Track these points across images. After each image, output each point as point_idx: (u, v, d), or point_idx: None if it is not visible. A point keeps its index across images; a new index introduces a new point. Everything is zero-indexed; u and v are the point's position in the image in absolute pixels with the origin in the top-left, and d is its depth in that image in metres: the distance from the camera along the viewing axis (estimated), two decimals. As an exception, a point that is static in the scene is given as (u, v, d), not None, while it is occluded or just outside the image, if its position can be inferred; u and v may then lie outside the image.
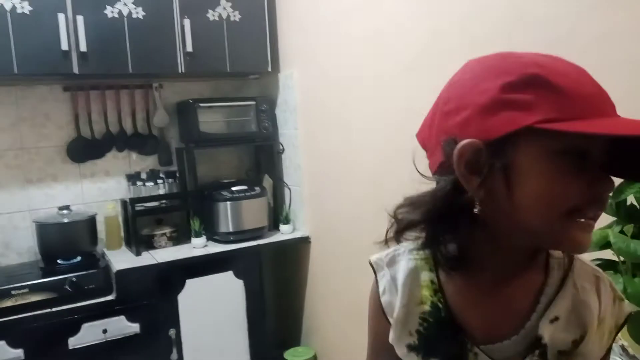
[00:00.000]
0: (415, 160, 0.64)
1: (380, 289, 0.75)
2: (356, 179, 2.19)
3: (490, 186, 0.58)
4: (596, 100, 0.56)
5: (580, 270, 0.67)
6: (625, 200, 0.99)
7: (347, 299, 2.31)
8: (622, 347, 0.99)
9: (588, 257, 1.00)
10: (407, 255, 0.73)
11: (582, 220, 0.58)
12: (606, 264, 0.98)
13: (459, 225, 0.62)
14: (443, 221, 0.62)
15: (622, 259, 0.94)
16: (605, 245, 0.96)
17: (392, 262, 0.75)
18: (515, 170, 0.56)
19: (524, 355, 0.64)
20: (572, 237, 0.58)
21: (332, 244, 2.43)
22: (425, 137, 0.65)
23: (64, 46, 2.18)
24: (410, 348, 0.71)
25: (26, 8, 2.11)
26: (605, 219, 1.02)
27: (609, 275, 0.93)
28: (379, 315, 0.76)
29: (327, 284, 2.54)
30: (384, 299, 0.75)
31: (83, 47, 2.22)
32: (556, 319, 0.64)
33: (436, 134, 0.61)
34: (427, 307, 0.70)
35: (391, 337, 0.73)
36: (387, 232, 0.66)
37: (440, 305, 0.69)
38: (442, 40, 1.69)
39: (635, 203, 0.99)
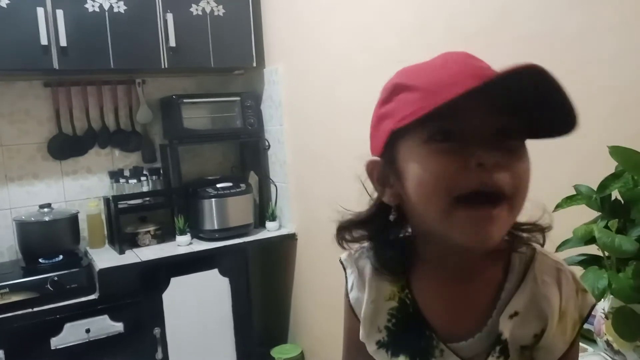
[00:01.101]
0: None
1: (349, 286, 0.77)
2: (343, 175, 2.18)
3: (398, 193, 0.63)
4: (453, 79, 0.55)
5: (541, 263, 0.66)
6: (610, 195, 0.98)
7: (334, 295, 2.30)
8: (607, 342, 0.99)
9: (574, 252, 1.00)
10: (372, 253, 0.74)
11: (478, 208, 0.55)
12: (591, 259, 0.98)
13: (391, 232, 0.70)
14: (381, 227, 0.70)
15: (606, 254, 0.94)
16: (590, 240, 0.95)
17: (359, 258, 0.76)
18: (402, 170, 0.61)
19: (488, 352, 0.64)
20: (464, 231, 0.57)
21: (319, 241, 2.41)
22: None
23: (44, 41, 2.14)
24: (380, 345, 0.72)
25: (4, 1, 2.06)
26: (590, 214, 1.02)
27: (593, 271, 0.93)
28: (349, 312, 0.77)
29: (313, 281, 2.52)
30: (351, 295, 0.76)
31: (63, 42, 2.18)
32: (516, 314, 0.64)
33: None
34: (395, 303, 0.70)
35: (361, 335, 0.74)
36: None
37: (407, 301, 0.69)
38: (428, 36, 1.68)
39: (619, 198, 0.99)
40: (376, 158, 0.64)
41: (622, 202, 0.98)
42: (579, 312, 0.66)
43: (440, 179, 0.56)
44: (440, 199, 0.56)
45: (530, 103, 0.54)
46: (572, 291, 0.65)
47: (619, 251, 0.89)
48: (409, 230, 0.70)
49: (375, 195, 0.69)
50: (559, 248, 0.98)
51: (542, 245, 0.68)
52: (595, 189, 0.99)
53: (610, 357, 0.99)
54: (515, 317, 0.64)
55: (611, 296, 0.91)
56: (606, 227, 0.94)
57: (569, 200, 1.02)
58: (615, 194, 0.99)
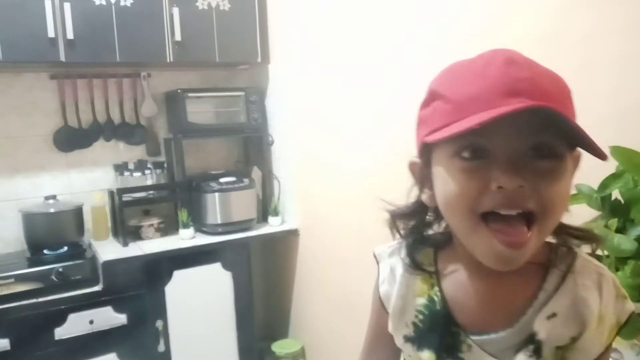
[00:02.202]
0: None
1: (380, 279, 0.78)
2: (346, 172, 2.19)
3: (434, 195, 0.64)
4: (489, 93, 0.54)
5: (582, 267, 0.66)
6: (610, 194, 0.99)
7: (335, 292, 2.32)
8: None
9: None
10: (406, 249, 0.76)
11: (495, 226, 0.56)
12: (590, 258, 0.99)
13: (427, 230, 0.72)
14: (420, 223, 0.72)
15: (606, 253, 0.95)
16: (590, 239, 0.96)
17: (393, 253, 0.77)
18: (434, 177, 0.62)
19: (518, 349, 0.64)
20: (484, 245, 0.57)
21: (321, 237, 2.42)
22: None
23: (51, 33, 2.15)
24: (406, 339, 0.73)
25: (12, -6, 2.08)
26: (590, 213, 1.03)
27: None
28: (378, 305, 0.79)
29: (315, 276, 2.54)
30: (382, 289, 0.77)
31: (70, 35, 2.19)
32: (554, 315, 0.64)
33: None
34: (423, 300, 0.71)
35: (390, 327, 0.75)
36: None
37: (436, 298, 0.70)
38: (433, 36, 1.69)
39: (620, 197, 1.00)
40: (416, 159, 0.66)
41: (622, 201, 0.99)
42: (617, 318, 0.66)
43: (461, 198, 0.57)
44: (464, 216, 0.58)
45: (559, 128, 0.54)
46: (612, 296, 0.65)
47: (618, 250, 0.90)
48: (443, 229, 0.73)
49: (415, 191, 0.71)
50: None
51: (593, 254, 0.69)
52: (596, 189, 1.00)
53: (608, 355, 1.00)
54: (553, 318, 0.64)
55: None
56: (606, 226, 0.95)
57: (569, 199, 1.03)
58: (616, 194, 1.00)
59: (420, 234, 0.72)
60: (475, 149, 0.56)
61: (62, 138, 2.53)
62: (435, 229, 0.73)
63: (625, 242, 0.89)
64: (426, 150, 0.62)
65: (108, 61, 2.35)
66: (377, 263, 0.80)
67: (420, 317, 0.71)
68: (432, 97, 0.60)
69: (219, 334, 2.50)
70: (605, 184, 0.97)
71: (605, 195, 0.99)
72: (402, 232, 0.73)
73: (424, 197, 0.66)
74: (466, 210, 0.57)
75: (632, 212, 0.96)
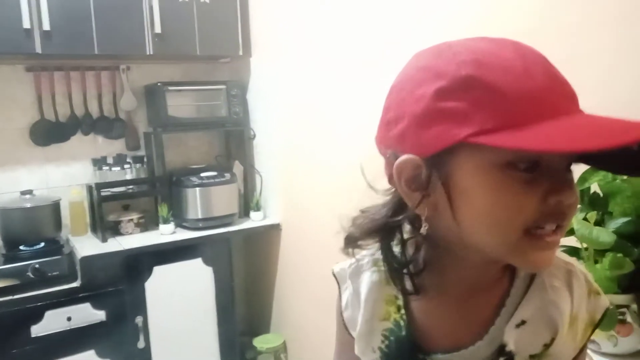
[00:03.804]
0: (364, 169, 0.62)
1: (343, 304, 0.72)
2: (329, 166, 2.18)
3: (435, 203, 0.55)
4: (547, 96, 0.49)
5: (550, 266, 0.60)
6: (589, 188, 1.00)
7: (317, 286, 2.31)
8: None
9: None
10: (371, 267, 0.69)
11: (541, 237, 0.52)
12: (569, 251, 0.99)
13: (406, 242, 0.61)
14: (393, 237, 0.61)
15: (584, 245, 0.95)
16: (569, 232, 0.97)
17: (355, 273, 0.70)
18: (456, 186, 0.52)
19: None
20: (529, 258, 0.53)
21: (303, 232, 2.42)
22: (378, 144, 0.61)
23: (26, 24, 2.10)
24: None
25: (-15, -16, 2.02)
26: (569, 206, 1.03)
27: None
28: (342, 329, 0.73)
29: (297, 271, 2.53)
30: (346, 315, 0.72)
31: (46, 26, 2.14)
32: (523, 322, 0.59)
33: (383, 145, 0.59)
34: (389, 324, 0.66)
35: (356, 350, 0.70)
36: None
37: (402, 322, 0.65)
38: (417, 29, 1.68)
39: (598, 191, 1.01)
40: (415, 157, 0.53)
41: (601, 195, 1.00)
42: (591, 316, 0.62)
43: (517, 212, 0.50)
44: (510, 232, 0.51)
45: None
46: (584, 294, 0.61)
47: (596, 243, 0.91)
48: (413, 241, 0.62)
49: (387, 197, 0.62)
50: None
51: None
52: (575, 182, 1.00)
53: (586, 346, 1.01)
54: (522, 326, 0.59)
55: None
56: (585, 219, 0.96)
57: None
58: (595, 187, 1.01)
59: (392, 250, 0.62)
60: (532, 159, 0.50)
61: (39, 132, 2.48)
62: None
63: (604, 235, 0.90)
64: (443, 153, 0.51)
65: (86, 53, 2.30)
66: (338, 284, 0.73)
67: (387, 342, 0.66)
68: (466, 85, 0.49)
69: (200, 330, 2.48)
70: (584, 177, 0.97)
71: (585, 189, 1.00)
72: (367, 248, 0.65)
73: (416, 204, 0.55)
74: (516, 227, 0.51)
75: (610, 205, 0.97)
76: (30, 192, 2.34)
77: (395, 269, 0.62)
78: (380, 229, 0.61)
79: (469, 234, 0.54)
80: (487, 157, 0.50)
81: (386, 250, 0.62)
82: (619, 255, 0.90)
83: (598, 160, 0.55)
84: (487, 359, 0.60)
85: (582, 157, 0.54)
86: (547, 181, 0.50)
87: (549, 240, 0.52)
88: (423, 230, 0.56)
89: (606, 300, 0.63)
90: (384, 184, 0.60)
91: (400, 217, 0.59)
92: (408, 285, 0.62)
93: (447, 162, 0.52)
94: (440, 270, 0.61)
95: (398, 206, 0.60)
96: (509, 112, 0.48)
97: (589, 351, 0.98)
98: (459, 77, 0.50)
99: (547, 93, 0.49)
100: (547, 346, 0.60)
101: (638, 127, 0.45)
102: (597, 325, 0.62)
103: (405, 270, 0.61)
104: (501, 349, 0.59)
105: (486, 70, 0.49)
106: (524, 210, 0.50)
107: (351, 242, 0.64)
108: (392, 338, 0.65)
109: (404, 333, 0.64)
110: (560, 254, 0.63)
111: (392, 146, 0.56)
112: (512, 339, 0.59)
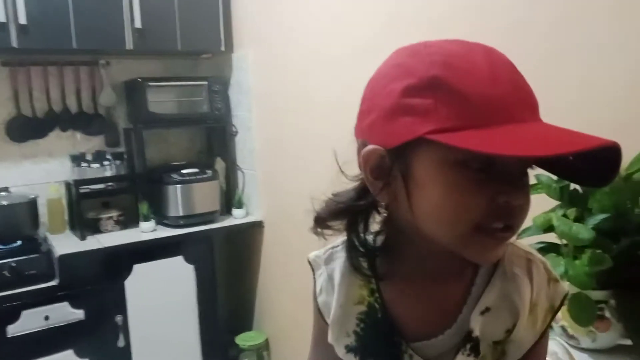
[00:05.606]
0: (337, 155, 0.67)
1: (317, 289, 0.74)
2: (311, 163, 2.17)
3: (394, 192, 0.58)
4: (508, 103, 0.51)
5: (511, 255, 0.64)
6: (569, 184, 1.01)
7: (300, 284, 2.30)
8: (562, 328, 1.02)
9: (533, 239, 1.02)
10: (345, 253, 0.70)
11: (491, 234, 0.55)
12: (549, 247, 1.00)
13: (368, 225, 0.66)
14: (358, 220, 0.65)
15: (564, 241, 0.96)
16: (549, 228, 0.97)
17: (329, 259, 0.72)
18: (414, 178, 0.56)
19: (457, 349, 0.62)
20: (477, 251, 0.57)
21: (286, 229, 2.41)
22: (354, 133, 0.64)
23: (2, 18, 2.06)
24: (348, 349, 0.70)
25: (-42, -25, 1.97)
26: (549, 203, 1.04)
27: (551, 258, 0.95)
28: (317, 316, 0.75)
29: (279, 268, 2.52)
30: (320, 300, 0.73)
31: (23, 20, 2.09)
32: (487, 309, 0.62)
33: (356, 134, 0.62)
34: (364, 307, 0.68)
35: (330, 338, 0.72)
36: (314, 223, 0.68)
37: (377, 305, 0.67)
38: (400, 23, 1.68)
39: (577, 187, 1.01)
40: (380, 148, 0.56)
41: (581, 191, 1.01)
42: (550, 302, 0.64)
43: (467, 210, 0.53)
44: (458, 227, 0.54)
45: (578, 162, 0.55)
46: (544, 281, 0.64)
47: (575, 239, 0.92)
48: (379, 227, 0.67)
49: (356, 183, 0.65)
50: (519, 236, 1.00)
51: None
52: (555, 179, 1.01)
53: (565, 341, 1.02)
54: (487, 312, 0.62)
55: (567, 283, 0.94)
56: (565, 215, 0.97)
57: (529, 189, 1.04)
58: (574, 184, 1.01)
59: (361, 230, 0.66)
60: (485, 160, 0.52)
61: (15, 128, 2.43)
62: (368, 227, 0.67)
63: (583, 231, 0.91)
64: (405, 146, 0.54)
65: (64, 48, 2.25)
66: (313, 271, 0.75)
67: (362, 325, 0.68)
68: (433, 85, 0.52)
69: (182, 328, 2.46)
70: (564, 174, 0.98)
71: (564, 185, 1.01)
72: (327, 233, 0.68)
73: (377, 192, 0.59)
74: (464, 222, 0.54)
75: (590, 202, 0.97)
76: (6, 189, 2.30)
77: (353, 246, 0.66)
78: (346, 211, 0.65)
79: (422, 225, 0.57)
80: (443, 154, 0.52)
81: (349, 231, 0.66)
82: (598, 251, 0.91)
83: (554, 166, 0.59)
84: (456, 346, 0.63)
85: (538, 162, 0.57)
86: (499, 182, 0.53)
87: (498, 236, 0.55)
88: (381, 216, 0.63)
89: (565, 287, 0.66)
90: (355, 170, 0.63)
91: (363, 202, 0.64)
92: (374, 269, 0.66)
93: (408, 155, 0.55)
94: (403, 257, 0.65)
95: (363, 192, 0.64)
96: (468, 114, 0.51)
97: (568, 346, 1.00)
98: (426, 77, 0.53)
99: (509, 100, 0.52)
100: (509, 332, 0.62)
101: (585, 139, 0.49)
102: (556, 311, 0.65)
103: (362, 250, 0.66)
104: (468, 336, 0.62)
105: (453, 72, 0.52)
106: (472, 208, 0.53)
107: (319, 222, 0.67)
108: (368, 321, 0.68)
109: (380, 315, 0.67)
110: (520, 244, 0.66)
111: (363, 135, 0.59)
112: (477, 325, 0.62)
